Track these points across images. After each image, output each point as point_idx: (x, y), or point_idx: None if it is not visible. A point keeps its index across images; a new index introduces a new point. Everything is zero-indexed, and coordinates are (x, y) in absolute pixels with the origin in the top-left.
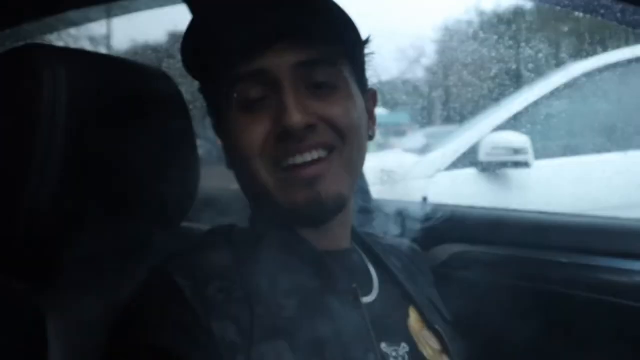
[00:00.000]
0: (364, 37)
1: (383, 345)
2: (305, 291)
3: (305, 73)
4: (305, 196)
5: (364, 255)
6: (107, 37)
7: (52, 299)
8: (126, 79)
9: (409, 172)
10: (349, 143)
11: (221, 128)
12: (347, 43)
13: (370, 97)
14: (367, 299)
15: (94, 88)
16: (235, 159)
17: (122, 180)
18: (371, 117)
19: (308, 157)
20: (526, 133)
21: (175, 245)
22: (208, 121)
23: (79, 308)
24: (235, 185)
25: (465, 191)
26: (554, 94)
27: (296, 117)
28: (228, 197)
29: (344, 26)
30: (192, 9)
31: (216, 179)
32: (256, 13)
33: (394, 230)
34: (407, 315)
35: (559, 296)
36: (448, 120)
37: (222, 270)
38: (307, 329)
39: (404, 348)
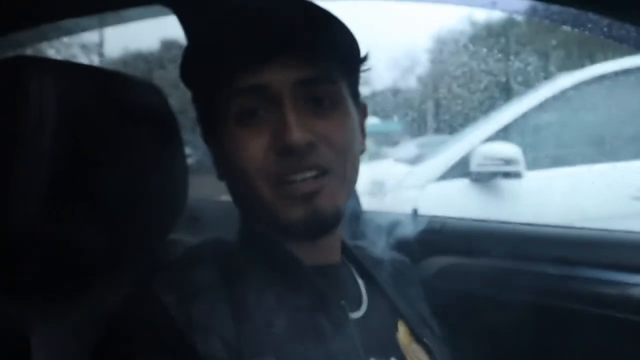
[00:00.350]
0: (362, 52)
1: None
2: (293, 307)
3: (305, 89)
4: (303, 210)
5: (353, 269)
6: (100, 45)
7: (35, 313)
8: (115, 90)
9: (400, 183)
10: (344, 161)
11: (214, 139)
12: (347, 59)
13: (362, 110)
14: (355, 314)
15: (82, 99)
16: (230, 171)
17: (109, 192)
18: (362, 131)
19: (307, 174)
20: (516, 144)
21: (163, 257)
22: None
23: (63, 321)
24: (224, 196)
25: (457, 202)
26: (543, 105)
27: (297, 134)
28: (217, 208)
29: (346, 42)
30: (184, 25)
31: (206, 188)
32: (258, 27)
33: (384, 242)
34: (396, 330)
35: (550, 308)
36: (440, 129)
37: (208, 285)
38: (295, 345)
39: None
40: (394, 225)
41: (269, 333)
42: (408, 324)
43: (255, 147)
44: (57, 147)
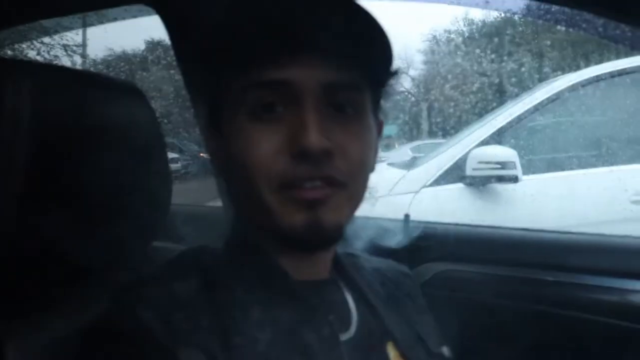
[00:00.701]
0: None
1: None
2: (280, 324)
3: (330, 93)
4: (305, 217)
5: (343, 286)
6: (82, 46)
7: (11, 326)
8: (94, 94)
9: (393, 188)
10: (357, 176)
11: (220, 131)
12: (379, 70)
13: (378, 127)
14: (344, 336)
15: (59, 103)
16: (233, 167)
17: (89, 199)
18: (376, 149)
19: (317, 182)
20: (512, 147)
21: (146, 265)
22: (184, 135)
23: (40, 333)
24: (210, 202)
25: (451, 207)
26: (539, 108)
27: (315, 138)
28: (205, 213)
29: (382, 52)
30: (167, 24)
31: (190, 194)
32: (294, 18)
33: (375, 249)
34: (386, 353)
35: (548, 315)
36: (436, 133)
37: (190, 298)
38: None
39: None
40: (385, 232)
41: (255, 350)
42: (399, 346)
43: (267, 145)
44: (33, 150)
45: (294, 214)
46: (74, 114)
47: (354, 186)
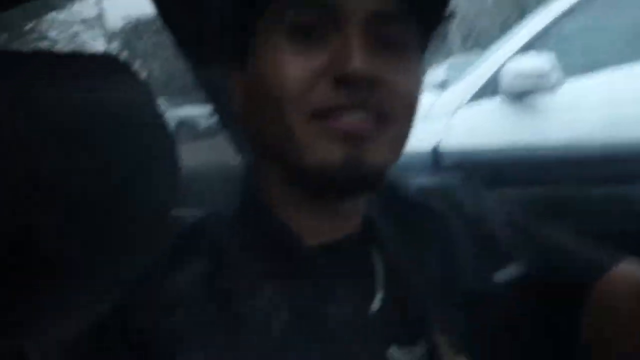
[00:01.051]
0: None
1: (393, 349)
2: (294, 302)
3: (380, 24)
4: (343, 154)
5: (373, 246)
6: (100, 18)
7: (29, 326)
8: (72, 75)
9: (427, 113)
10: (403, 116)
11: (246, 58)
12: (433, 9)
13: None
14: (371, 308)
15: (35, 89)
16: (260, 98)
17: (93, 182)
18: (420, 93)
19: (359, 115)
20: (548, 53)
21: (166, 238)
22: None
23: (58, 331)
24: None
25: (490, 126)
26: (572, 9)
27: (361, 64)
28: (219, 172)
29: None
30: None
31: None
32: None
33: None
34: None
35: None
36: (469, 49)
37: (191, 289)
38: (297, 347)
39: (421, 348)
40: (412, 165)
41: (267, 337)
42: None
43: (303, 67)
44: (17, 143)
45: (330, 148)
46: (54, 98)
47: (399, 125)
